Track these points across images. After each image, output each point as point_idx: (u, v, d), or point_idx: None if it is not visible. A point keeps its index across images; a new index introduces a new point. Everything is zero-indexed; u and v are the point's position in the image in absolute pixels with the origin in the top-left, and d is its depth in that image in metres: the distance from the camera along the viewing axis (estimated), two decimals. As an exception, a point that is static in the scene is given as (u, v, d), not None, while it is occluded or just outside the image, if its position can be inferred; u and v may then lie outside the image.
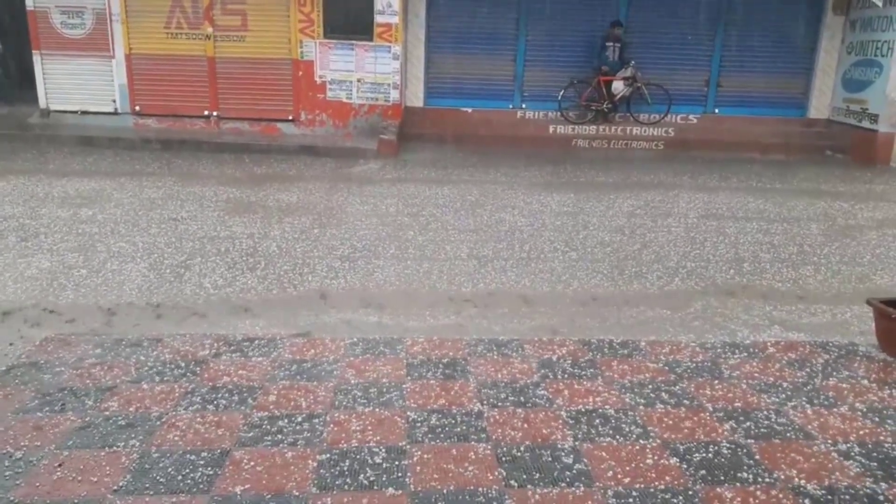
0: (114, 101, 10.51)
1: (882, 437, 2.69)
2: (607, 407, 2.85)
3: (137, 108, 10.50)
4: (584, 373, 3.17)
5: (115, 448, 2.46)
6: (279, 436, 2.57)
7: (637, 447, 2.54)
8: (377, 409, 2.77)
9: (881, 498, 2.30)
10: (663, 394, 2.98)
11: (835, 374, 3.27)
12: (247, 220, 6.22)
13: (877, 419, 2.85)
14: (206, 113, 10.45)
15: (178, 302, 4.28)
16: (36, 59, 10.42)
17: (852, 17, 10.62)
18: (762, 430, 2.70)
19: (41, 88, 10.53)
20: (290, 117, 10.51)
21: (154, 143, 9.64)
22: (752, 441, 2.61)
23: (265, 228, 6.01)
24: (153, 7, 10.20)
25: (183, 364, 3.13)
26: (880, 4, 9.65)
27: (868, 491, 2.33)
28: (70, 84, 10.50)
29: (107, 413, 2.68)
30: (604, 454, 2.49)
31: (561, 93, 10.76)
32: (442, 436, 2.59)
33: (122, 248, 5.33)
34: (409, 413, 2.74)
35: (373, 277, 4.89)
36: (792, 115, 11.23)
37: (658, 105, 10.79)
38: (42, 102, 10.57)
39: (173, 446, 2.47)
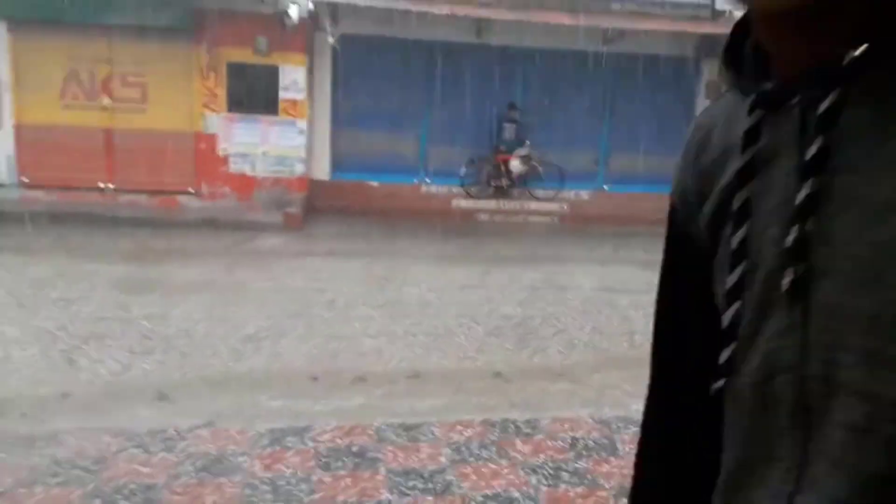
0: (0, 174, 9.98)
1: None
2: (512, 489, 2.96)
3: (25, 179, 10.01)
4: (490, 454, 3.28)
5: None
6: (185, 538, 2.51)
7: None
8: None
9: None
10: (564, 473, 3.14)
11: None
12: (144, 300, 6.02)
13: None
14: (100, 185, 10.10)
15: (71, 391, 4.08)
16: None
17: (720, 105, 11.78)
18: None
19: (-83, 159, 9.88)
20: (192, 189, 10.34)
21: (43, 217, 9.17)
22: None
23: (164, 308, 5.84)
24: (47, 78, 9.90)
25: (80, 463, 2.99)
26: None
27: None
28: (-50, 154, 9.92)
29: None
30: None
31: (463, 169, 11.22)
32: (353, 528, 2.61)
33: (7, 332, 5.03)
34: (319, 506, 2.75)
35: (278, 359, 4.86)
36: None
37: (553, 181, 11.45)
38: (-84, 173, 9.90)
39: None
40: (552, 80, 11.44)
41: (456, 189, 11.37)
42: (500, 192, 11.44)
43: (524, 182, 11.49)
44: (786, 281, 0.51)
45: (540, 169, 11.36)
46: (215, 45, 9.97)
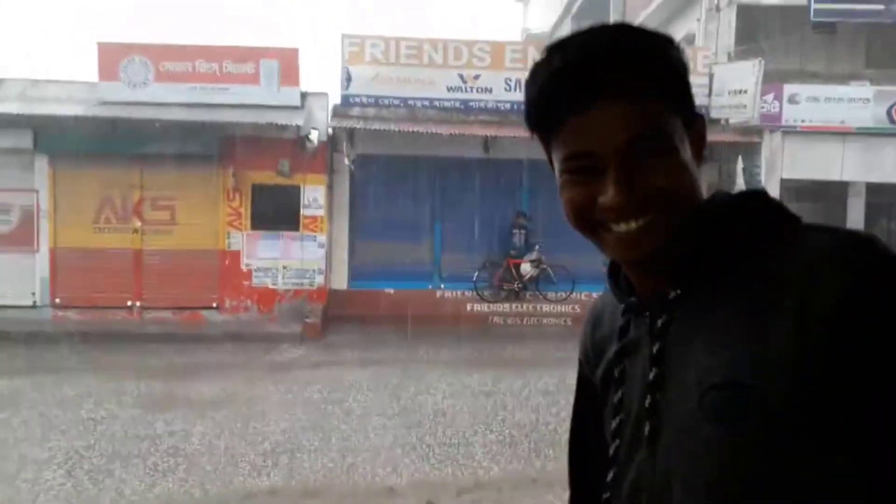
0: (33, 294, 10.49)
1: None
2: None
3: (58, 300, 10.50)
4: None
5: None
6: None
7: None
8: None
9: None
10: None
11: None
12: (168, 417, 6.23)
13: None
14: (128, 303, 10.55)
15: (97, 514, 4.24)
16: (-43, 252, 10.45)
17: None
18: None
19: (-42, 282, 10.45)
20: (215, 304, 10.74)
21: (74, 337, 9.56)
22: None
23: (187, 425, 6.04)
24: (82, 204, 10.60)
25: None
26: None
27: None
28: (-10, 277, 10.48)
29: None
30: None
31: (476, 274, 11.57)
32: None
33: (37, 454, 5.24)
34: None
35: (295, 473, 4.99)
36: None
37: (564, 284, 11.71)
38: (-43, 296, 10.43)
39: None
40: (555, 189, 11.91)
41: (469, 293, 11.67)
42: (513, 296, 11.71)
43: (536, 285, 11.78)
44: (646, 429, 0.82)
45: (550, 272, 11.67)
46: (240, 168, 10.67)
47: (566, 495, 3.55)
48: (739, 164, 11.15)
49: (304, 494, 4.60)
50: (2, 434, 5.70)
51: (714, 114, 11.66)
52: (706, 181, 12.17)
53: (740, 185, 11.15)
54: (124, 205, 10.69)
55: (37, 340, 9.44)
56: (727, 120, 11.57)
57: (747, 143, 11.16)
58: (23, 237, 10.48)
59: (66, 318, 10.40)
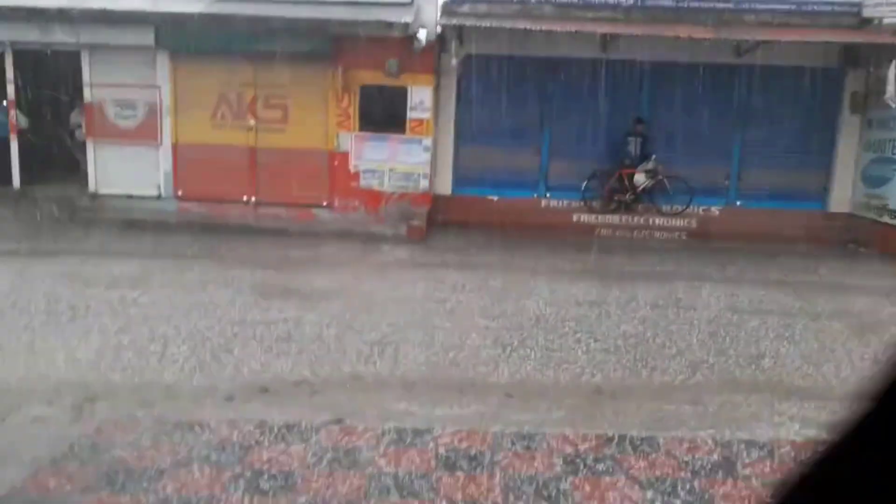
0: (158, 186, 11.12)
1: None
2: (626, 503, 2.98)
3: (180, 192, 11.09)
4: (605, 468, 3.30)
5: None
6: (317, 522, 2.75)
7: (656, 544, 2.66)
8: (409, 499, 2.93)
9: None
10: (680, 491, 3.10)
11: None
12: (282, 305, 6.51)
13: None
14: (245, 198, 11.00)
15: (217, 386, 4.52)
16: (89, 146, 11.15)
17: (869, 116, 10.97)
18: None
19: (91, 173, 11.21)
20: (325, 203, 11.01)
21: (195, 227, 10.13)
22: (769, 542, 2.71)
23: (299, 313, 6.29)
24: (201, 101, 10.95)
25: (228, 448, 3.34)
26: (893, 105, 10.00)
27: None
28: (118, 170, 11.16)
29: (161, 494, 2.88)
30: (624, 550, 2.62)
31: (584, 183, 11.15)
32: (469, 527, 2.74)
33: (165, 331, 5.63)
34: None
35: (400, 364, 5.10)
36: (813, 209, 11.45)
37: (680, 196, 11.10)
38: (91, 186, 11.22)
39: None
40: (681, 93, 11.12)
41: (576, 203, 11.31)
42: (623, 207, 11.25)
43: (649, 197, 11.23)
44: None
45: (666, 183, 11.06)
46: (349, 68, 10.61)
47: (674, 407, 3.34)
48: (892, 71, 9.89)
49: (406, 384, 4.69)
50: (134, 310, 6.15)
51: (867, 12, 10.33)
52: (850, 89, 11.03)
53: (891, 94, 9.94)
54: (240, 102, 10.95)
55: (162, 229, 10.09)
56: (881, 20, 10.22)
57: (904, 45, 9.84)
58: (147, 132, 11.03)
59: (188, 209, 11.00)
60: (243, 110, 10.98)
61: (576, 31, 9.81)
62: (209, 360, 5.00)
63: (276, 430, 3.58)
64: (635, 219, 11.19)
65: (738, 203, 11.52)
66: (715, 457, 3.49)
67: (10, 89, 11.07)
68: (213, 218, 10.58)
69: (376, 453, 3.36)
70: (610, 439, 3.65)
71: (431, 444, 3.48)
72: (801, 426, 4.20)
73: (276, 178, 10.99)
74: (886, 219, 10.28)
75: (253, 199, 11.02)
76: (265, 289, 7.12)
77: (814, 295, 7.78)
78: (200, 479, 3.04)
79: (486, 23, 9.95)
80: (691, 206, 11.17)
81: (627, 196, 11.17)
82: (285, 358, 5.12)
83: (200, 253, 8.82)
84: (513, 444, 3.53)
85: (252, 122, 10.96)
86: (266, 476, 3.09)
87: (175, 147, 11.08)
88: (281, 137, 11.00)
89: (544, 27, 9.88)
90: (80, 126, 11.75)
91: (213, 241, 9.55)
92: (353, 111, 10.82)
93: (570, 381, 4.90)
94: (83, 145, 11.57)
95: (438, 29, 10.50)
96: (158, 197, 11.13)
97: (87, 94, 11.00)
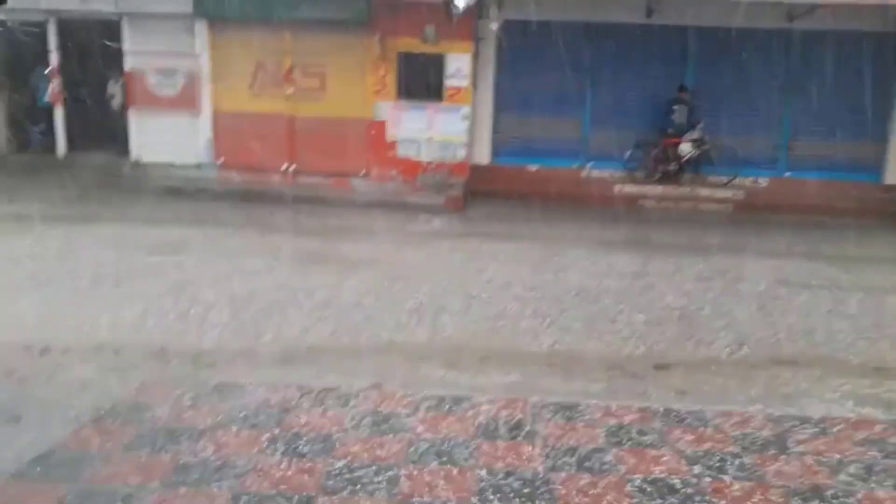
0: (199, 154, 11.22)
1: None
2: (673, 477, 2.88)
3: (220, 161, 11.17)
4: (650, 440, 3.21)
5: (209, 488, 2.66)
6: (357, 486, 2.71)
7: (704, 519, 2.57)
8: (448, 465, 2.88)
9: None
10: (729, 467, 2.99)
11: (911, 454, 3.20)
12: (321, 272, 6.52)
13: (957, 505, 2.78)
14: (283, 167, 11.02)
15: (258, 349, 4.53)
16: (130, 114, 11.28)
17: (929, 83, 10.43)
18: (833, 509, 2.68)
19: (133, 141, 11.35)
20: (363, 173, 10.97)
21: (235, 195, 10.21)
22: (823, 520, 2.60)
23: (338, 279, 6.28)
24: (239, 69, 10.95)
25: (266, 411, 3.34)
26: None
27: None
28: (160, 138, 11.27)
29: (202, 455, 2.89)
30: (670, 524, 2.53)
31: (628, 153, 10.88)
32: (511, 496, 2.68)
33: (206, 295, 5.67)
34: (478, 471, 2.84)
35: (439, 332, 5.05)
36: (867, 180, 10.98)
37: (727, 167, 10.75)
38: (134, 154, 11.38)
39: (262, 489, 2.65)
40: (728, 60, 10.71)
41: (619, 174, 11.05)
42: (668, 178, 10.95)
43: (695, 167, 10.90)
44: None
45: (713, 153, 10.71)
46: (386, 35, 10.47)
47: (721, 381, 3.21)
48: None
49: (444, 352, 4.64)
50: (176, 276, 6.22)
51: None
52: None
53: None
54: (277, 70, 10.93)
55: (203, 196, 10.18)
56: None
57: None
58: (187, 100, 11.09)
59: (229, 177, 11.08)
60: (281, 79, 10.95)
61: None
62: (249, 325, 5.02)
63: (314, 393, 3.56)
64: (680, 190, 10.88)
65: (788, 174, 11.12)
66: (766, 432, 3.36)
67: (54, 58, 11.22)
68: (252, 186, 10.64)
69: (413, 418, 3.32)
70: (654, 412, 3.54)
71: (470, 412, 3.42)
72: (854, 403, 4.03)
73: (313, 147, 10.98)
74: (947, 191, 9.81)
75: (292, 167, 11.04)
76: (304, 256, 7.14)
77: (866, 269, 7.47)
78: (238, 441, 3.04)
79: (526, -14, 9.68)
80: (738, 177, 10.81)
81: (672, 166, 10.86)
82: (323, 323, 5.12)
83: (240, 221, 8.88)
84: (554, 413, 3.45)
85: (290, 90, 10.93)
86: (304, 439, 3.07)
87: (215, 115, 11.13)
88: (319, 106, 10.96)
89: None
90: (114, 96, 11.93)
91: (252, 209, 9.61)
92: (391, 79, 10.70)
93: (613, 353, 4.79)
94: (119, 114, 11.75)
95: (477, -7, 10.25)
96: (199, 165, 11.23)
97: (127, 62, 11.10)
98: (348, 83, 10.86)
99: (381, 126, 10.89)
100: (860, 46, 10.45)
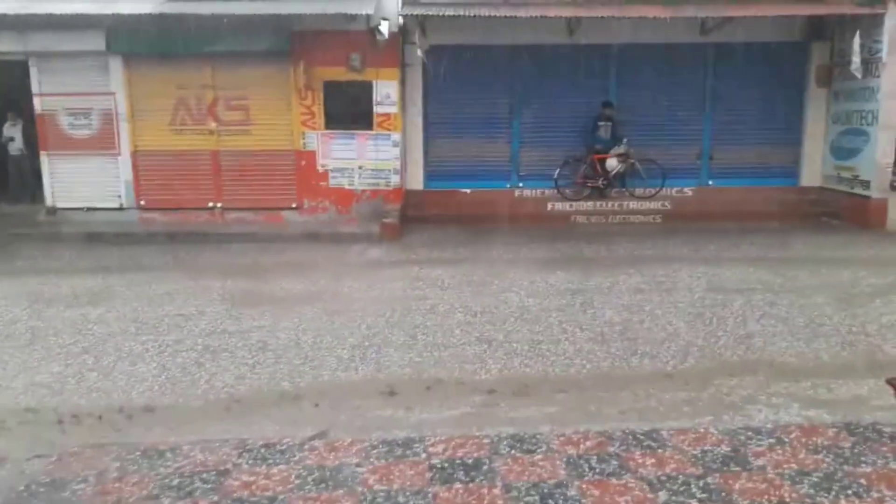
0: (119, 197, 10.71)
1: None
2: (638, 505, 2.80)
3: (142, 202, 10.68)
4: (611, 468, 3.12)
5: (138, 573, 2.40)
6: (306, 552, 2.51)
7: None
8: (403, 517, 2.71)
9: None
10: (694, 489, 2.93)
11: (864, 458, 3.23)
12: (255, 313, 6.23)
13: (912, 506, 2.79)
14: (210, 204, 10.64)
15: (191, 404, 4.24)
16: (43, 159, 10.68)
17: (835, 89, 10.99)
18: (798, 523, 2.65)
19: (48, 187, 10.75)
20: (294, 205, 10.69)
21: (160, 237, 9.76)
22: (790, 536, 2.56)
23: (274, 320, 6.02)
24: (158, 106, 10.54)
25: (204, 475, 3.08)
26: (859, 76, 10.02)
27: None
28: (76, 182, 10.71)
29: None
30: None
31: (557, 171, 11.00)
32: (472, 544, 2.53)
33: (132, 348, 5.32)
34: (436, 520, 2.69)
35: (383, 367, 4.87)
36: (785, 184, 11.46)
37: (653, 179, 11.02)
38: (48, 200, 10.76)
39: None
40: (648, 74, 11.03)
41: (550, 192, 11.16)
42: (597, 193, 11.13)
43: (622, 181, 11.13)
44: None
45: (639, 167, 10.96)
46: (311, 64, 10.30)
47: (670, 395, 3.14)
48: (857, 42, 9.90)
49: (391, 387, 4.47)
50: (98, 329, 5.82)
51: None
52: (815, 62, 11.03)
53: (857, 65, 9.95)
54: (199, 105, 10.57)
55: (125, 241, 9.68)
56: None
57: (868, 15, 9.84)
58: (104, 141, 10.59)
59: (152, 219, 10.60)
60: (203, 114, 10.60)
61: (539, 16, 9.62)
62: (179, 377, 4.71)
63: (255, 450, 3.33)
64: (609, 204, 11.07)
65: (711, 182, 11.48)
66: (723, 448, 3.33)
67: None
68: (178, 226, 10.20)
69: (364, 469, 3.13)
70: (610, 436, 3.47)
71: (424, 455, 3.26)
72: (800, 406, 4.08)
73: (241, 182, 10.65)
74: (858, 190, 10.32)
75: (219, 204, 10.66)
76: (236, 297, 6.83)
77: (792, 270, 7.72)
78: (175, 512, 2.78)
79: (448, 11, 9.71)
80: (664, 189, 11.09)
81: (600, 182, 11.05)
82: (260, 368, 4.86)
83: (166, 264, 8.46)
84: (510, 448, 3.32)
85: (213, 125, 10.59)
86: (246, 503, 2.84)
87: (134, 155, 10.66)
88: (245, 140, 10.65)
89: (507, 13, 9.68)
90: (12, 139, 11.35)
91: (179, 251, 9.19)
92: (318, 109, 10.51)
93: (561, 374, 4.72)
94: (21, 159, 11.19)
95: (400, 20, 10.24)
96: (120, 208, 10.71)
97: (37, 104, 10.53)
98: (274, 114, 10.60)
99: (310, 156, 10.66)
100: (771, 56, 10.96)
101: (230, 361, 5.01)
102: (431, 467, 3.13)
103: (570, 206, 11.08)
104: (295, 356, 5.11)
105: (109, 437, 3.66)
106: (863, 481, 3.00)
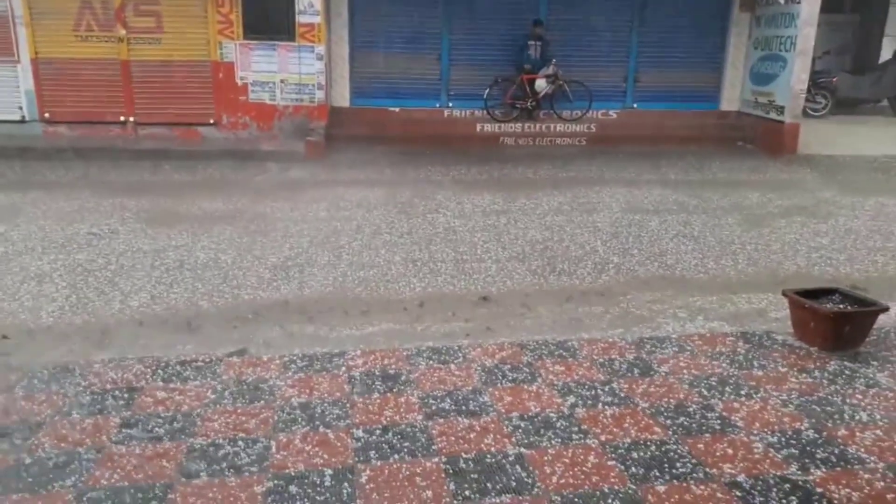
0: (21, 109, 9.92)
1: (802, 425, 2.88)
2: (548, 410, 2.93)
3: (47, 115, 9.95)
4: (523, 376, 3.25)
5: (49, 490, 2.36)
6: (223, 465, 2.52)
7: (579, 450, 2.64)
8: (322, 429, 2.75)
9: (807, 484, 2.47)
10: (600, 393, 3.10)
11: (756, 363, 3.48)
12: (171, 232, 6.02)
13: (796, 406, 3.05)
14: (122, 119, 10.01)
15: (104, 323, 4.12)
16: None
17: (758, 14, 11.18)
18: (694, 425, 2.85)
19: (-61, 98, 9.84)
20: (212, 121, 10.20)
21: (67, 152, 9.16)
22: (685, 436, 2.75)
23: (191, 239, 5.84)
24: (60, 8, 9.66)
25: (116, 392, 3.02)
26: (782, 1, 10.21)
27: (795, 478, 2.50)
28: (-30, 92, 9.84)
29: (39, 452, 2.56)
30: (547, 459, 2.57)
31: (486, 91, 10.87)
32: (389, 451, 2.61)
33: (39, 267, 5.08)
34: (353, 431, 2.74)
35: (306, 286, 4.85)
36: (705, 108, 11.74)
37: (580, 101, 11.06)
38: (-61, 113, 9.88)
39: (113, 484, 2.39)
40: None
41: (479, 112, 11.06)
42: (526, 115, 11.10)
43: (550, 103, 11.13)
44: None
45: (566, 88, 10.96)
46: (227, -33, 9.62)
47: (585, 309, 3.26)
48: (781, -33, 10.02)
49: (313, 305, 4.46)
50: (2, 248, 5.50)
51: None
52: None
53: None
54: (105, 9, 9.76)
55: (29, 156, 9.05)
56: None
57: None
58: (1, 47, 9.69)
59: (58, 133, 9.91)
60: (110, 19, 9.81)
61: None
62: (91, 297, 4.54)
63: (170, 367, 3.28)
64: (537, 126, 11.09)
65: (635, 106, 11.64)
66: (630, 356, 3.51)
67: None
68: (87, 141, 9.58)
69: (283, 384, 3.14)
70: (524, 346, 3.60)
71: (343, 368, 3.30)
72: (704, 319, 4.33)
73: (154, 95, 10.02)
74: (773, 115, 10.69)
75: (131, 119, 10.05)
76: (151, 216, 6.56)
77: (707, 192, 8.03)
78: (83, 431, 2.72)
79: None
80: (591, 111, 11.18)
81: (529, 103, 11.02)
82: (178, 288, 4.74)
83: (75, 181, 8.00)
84: (428, 359, 3.40)
85: (122, 32, 9.84)
86: (160, 419, 2.81)
87: (35, 63, 9.82)
88: (157, 49, 9.96)
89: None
90: None
91: (89, 166, 8.68)
92: (236, 17, 9.89)
93: (482, 291, 4.82)
94: None
95: (324, -77, 9.64)
96: (22, 120, 9.94)
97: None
98: (189, 22, 9.91)
99: (229, 68, 10.11)
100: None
101: (146, 280, 4.86)
102: (350, 379, 3.18)
103: (499, 127, 11.03)
104: (214, 275, 5.01)
105: (16, 358, 3.52)
106: (752, 383, 3.24)
